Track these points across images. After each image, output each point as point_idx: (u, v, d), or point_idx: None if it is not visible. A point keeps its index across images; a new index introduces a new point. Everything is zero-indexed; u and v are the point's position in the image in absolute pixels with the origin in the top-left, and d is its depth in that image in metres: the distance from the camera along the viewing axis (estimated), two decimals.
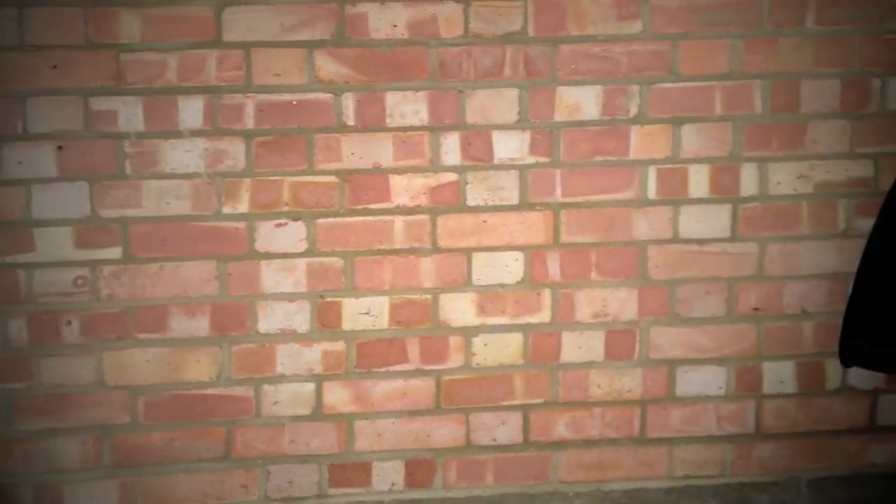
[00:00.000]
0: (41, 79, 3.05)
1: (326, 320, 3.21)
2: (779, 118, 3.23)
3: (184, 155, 3.11)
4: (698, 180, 3.22)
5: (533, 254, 3.23)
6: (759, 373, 3.33)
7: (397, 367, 3.25)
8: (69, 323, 3.14)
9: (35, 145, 3.06)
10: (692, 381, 3.32)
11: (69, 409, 3.16)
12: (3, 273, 3.08)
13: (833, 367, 3.34)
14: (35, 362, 3.13)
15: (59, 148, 3.07)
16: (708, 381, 3.32)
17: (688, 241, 3.25)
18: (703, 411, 3.34)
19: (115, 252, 3.12)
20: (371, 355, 3.23)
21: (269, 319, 3.19)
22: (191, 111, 3.10)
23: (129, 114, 3.08)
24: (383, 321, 3.23)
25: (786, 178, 3.24)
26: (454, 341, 3.25)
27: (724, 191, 3.24)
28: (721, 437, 3.35)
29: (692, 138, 3.21)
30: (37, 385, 3.14)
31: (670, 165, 3.21)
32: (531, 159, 3.19)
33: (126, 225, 3.12)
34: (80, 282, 3.13)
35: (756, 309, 3.29)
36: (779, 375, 3.33)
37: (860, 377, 3.34)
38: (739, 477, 3.37)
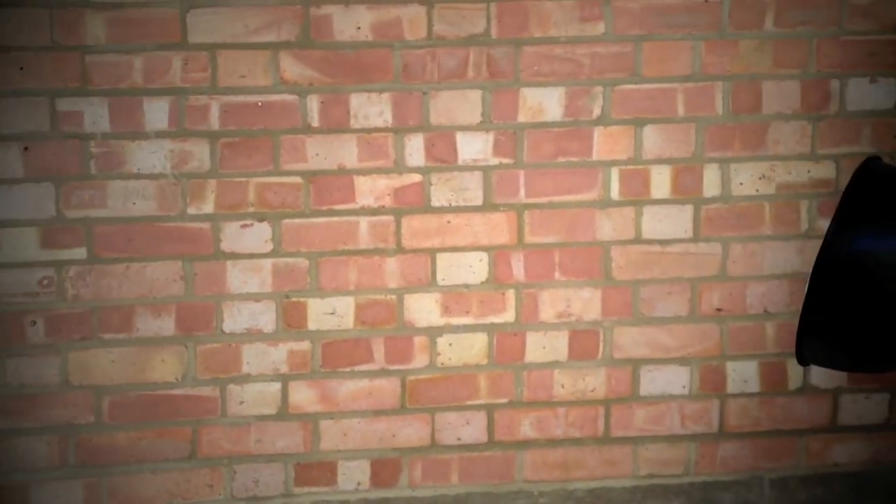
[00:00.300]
0: (7, 80, 3.10)
1: (292, 320, 3.28)
2: (740, 119, 3.30)
3: (149, 156, 3.16)
4: (661, 181, 3.30)
5: (497, 254, 3.30)
6: (723, 372, 3.40)
7: (363, 367, 3.31)
8: (34, 323, 3.19)
9: (1, 146, 3.12)
10: (656, 381, 3.39)
11: (34, 409, 3.21)
12: None
13: (795, 367, 3.40)
14: (0, 362, 3.21)
15: (26, 148, 3.12)
16: (671, 380, 3.39)
17: (650, 241, 3.32)
18: (666, 410, 3.41)
19: (81, 252, 3.18)
20: (336, 355, 3.29)
21: (235, 319, 3.25)
22: (156, 112, 3.15)
23: (95, 115, 3.13)
24: (348, 321, 3.29)
25: (748, 179, 3.32)
26: (419, 341, 3.31)
27: (686, 191, 3.31)
28: (685, 437, 3.42)
29: (655, 139, 3.28)
30: (1, 385, 3.19)
31: (633, 166, 3.28)
32: (495, 160, 3.26)
33: (91, 225, 3.17)
34: (45, 282, 3.18)
35: (719, 309, 3.37)
36: (742, 375, 3.41)
37: (822, 377, 3.42)
38: (703, 476, 3.44)
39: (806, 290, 2.68)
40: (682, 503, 3.44)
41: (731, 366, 3.40)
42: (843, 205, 2.69)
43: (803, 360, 2.79)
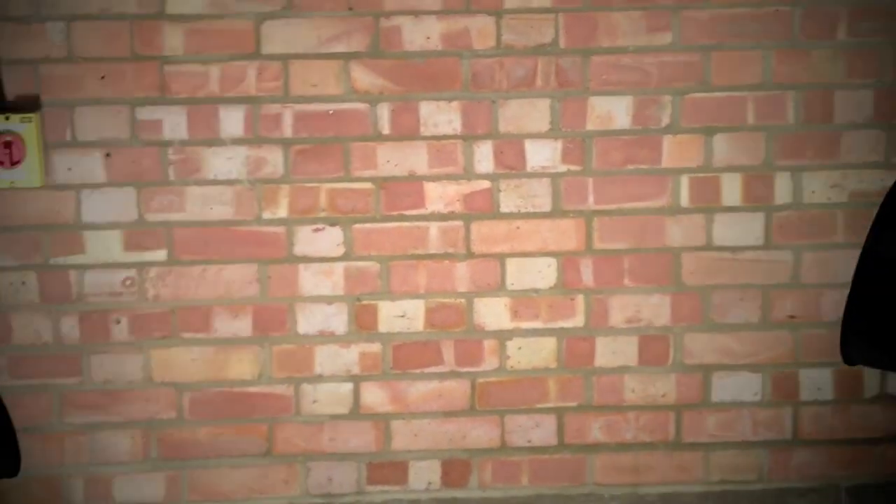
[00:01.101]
0: (89, 89, 3.36)
1: (363, 322, 3.49)
2: (812, 128, 3.41)
3: (225, 162, 3.40)
4: (731, 188, 3.42)
5: (566, 260, 3.46)
6: (796, 379, 3.52)
7: (432, 369, 3.51)
8: (118, 321, 3.46)
9: (84, 152, 3.38)
10: (727, 387, 3.53)
11: (118, 404, 3.48)
12: (55, 274, 3.41)
13: (871, 375, 3.51)
14: (86, 359, 3.46)
15: (107, 155, 3.38)
16: (743, 386, 3.52)
17: (721, 248, 3.45)
18: (738, 417, 3.54)
19: (161, 255, 3.43)
20: (407, 357, 3.50)
21: (308, 321, 3.48)
22: (232, 120, 3.38)
23: (174, 122, 3.38)
24: (418, 324, 3.49)
25: (819, 187, 3.42)
26: (489, 344, 3.50)
27: (757, 199, 3.43)
28: (757, 443, 3.56)
29: (725, 147, 3.41)
30: (87, 381, 3.47)
31: (703, 174, 3.42)
32: (563, 167, 3.42)
33: (171, 229, 3.42)
34: (128, 282, 3.45)
35: (792, 316, 3.49)
36: (816, 382, 3.53)
37: None
38: (777, 483, 3.57)
39: (849, 290, 2.83)
40: None
41: (804, 373, 3.52)
42: (884, 208, 2.83)
43: (850, 360, 2.94)
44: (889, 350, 2.85)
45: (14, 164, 3.34)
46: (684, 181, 3.43)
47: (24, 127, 3.33)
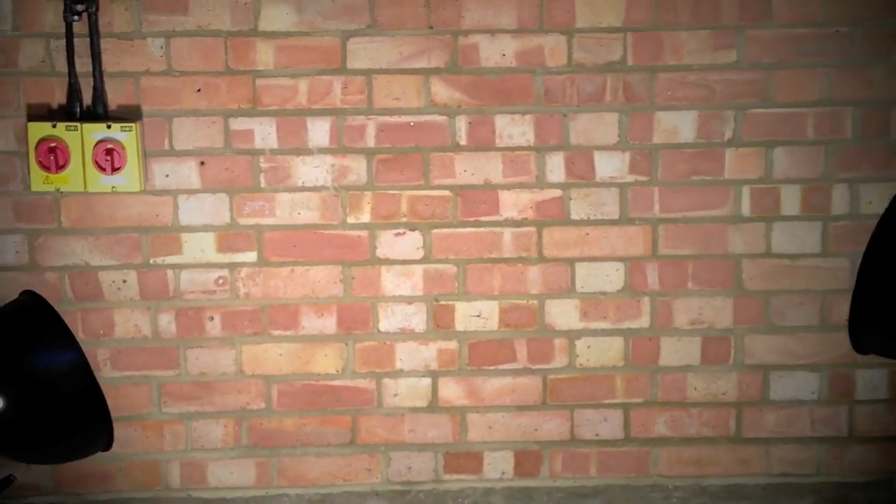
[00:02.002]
0: (186, 101, 3.75)
1: (441, 321, 3.87)
2: (869, 143, 3.73)
3: (312, 170, 3.78)
4: (790, 199, 3.76)
5: (633, 264, 3.82)
6: (852, 379, 3.87)
7: (506, 366, 3.88)
8: (211, 318, 3.86)
9: (180, 160, 3.77)
10: (786, 386, 3.87)
11: (212, 394, 3.89)
12: (154, 273, 3.82)
13: None
14: (182, 353, 3.87)
15: (202, 163, 3.78)
16: (801, 385, 3.87)
17: (780, 255, 3.80)
18: (797, 414, 3.89)
19: (252, 256, 3.83)
20: (482, 354, 3.88)
21: (389, 319, 3.87)
22: (319, 131, 3.77)
23: (264, 133, 3.77)
24: (493, 323, 3.87)
25: (877, 198, 3.75)
26: (559, 343, 3.88)
27: (815, 209, 3.77)
28: (815, 439, 3.90)
29: (785, 160, 3.74)
30: (183, 373, 3.88)
31: (763, 185, 3.76)
32: (631, 178, 3.77)
33: (261, 232, 3.81)
34: (220, 281, 3.85)
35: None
36: (871, 382, 3.86)
37: None
38: (835, 477, 3.92)
39: (856, 280, 3.17)
40: (813, 501, 3.95)
41: (860, 373, 3.87)
42: (892, 208, 3.18)
43: (860, 348, 3.29)
44: None
45: (115, 170, 3.72)
46: (745, 192, 3.78)
47: (124, 135, 3.71)
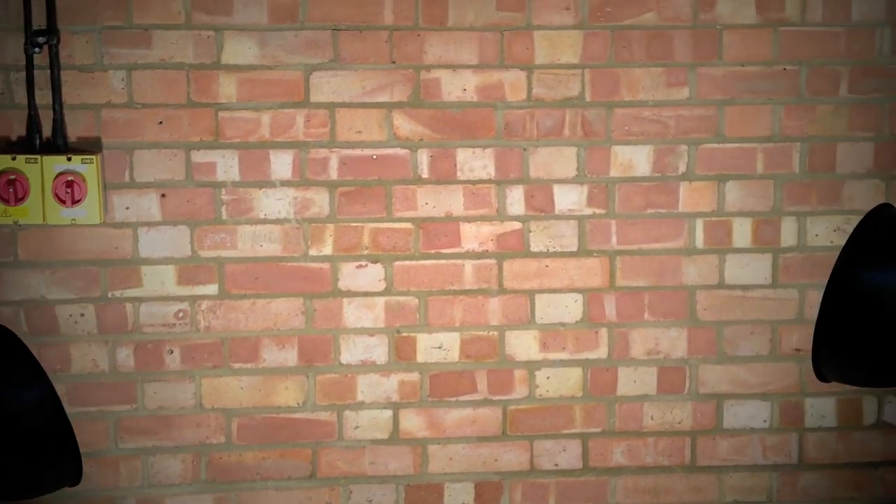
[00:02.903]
0: (147, 133, 3.90)
1: (403, 353, 4.05)
2: (816, 177, 4.01)
3: (275, 202, 3.94)
4: (742, 232, 4.02)
5: (591, 296, 4.04)
6: (802, 408, 4.12)
7: (467, 397, 4.07)
8: (171, 352, 3.99)
9: (141, 192, 3.90)
10: (738, 415, 4.11)
11: (171, 429, 4.01)
12: (113, 306, 3.94)
13: (869, 404, 4.11)
14: (140, 387, 3.99)
15: (163, 195, 3.92)
16: (753, 414, 4.11)
17: (733, 286, 4.05)
18: (749, 442, 4.13)
19: (213, 289, 3.97)
20: (443, 386, 4.06)
21: (351, 351, 4.03)
22: (281, 163, 3.93)
23: (226, 165, 3.92)
24: (454, 355, 4.05)
25: (823, 231, 4.02)
26: (519, 374, 4.07)
27: (765, 241, 4.03)
28: (767, 467, 4.14)
29: (736, 194, 4.00)
30: (141, 407, 3.99)
31: (716, 218, 4.01)
32: (589, 210, 3.99)
33: (222, 264, 3.96)
34: (180, 314, 3.98)
35: (798, 350, 4.07)
36: (820, 411, 4.12)
37: (894, 414, 4.11)
38: (786, 503, 4.21)
39: (819, 310, 3.39)
40: None
41: (809, 402, 4.12)
42: (853, 242, 3.45)
43: (822, 376, 3.54)
44: (857, 366, 3.45)
45: (75, 202, 3.83)
46: (699, 224, 4.04)
47: (85, 168, 3.82)
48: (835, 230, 4.05)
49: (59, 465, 3.50)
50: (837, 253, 3.92)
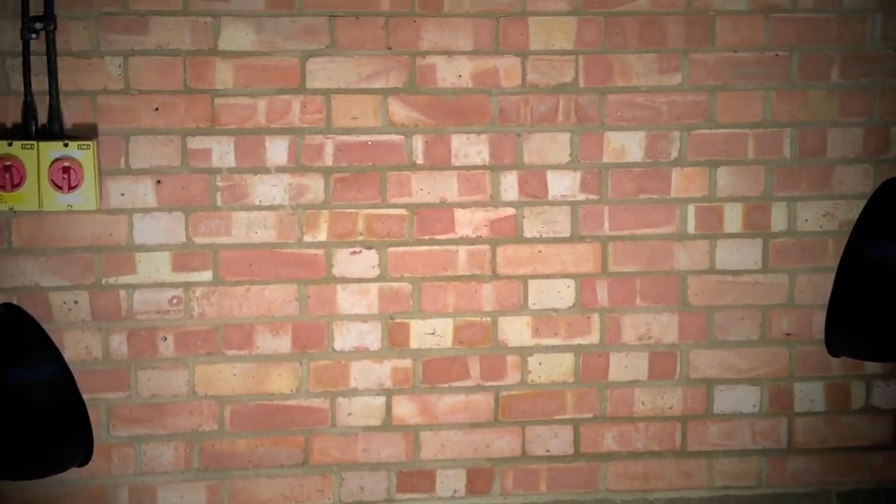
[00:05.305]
0: (143, 119, 4.11)
1: (396, 339, 4.28)
2: (807, 162, 4.29)
3: (270, 189, 4.17)
4: (733, 217, 4.29)
5: (583, 281, 4.29)
6: (791, 392, 4.39)
7: (459, 383, 4.31)
8: (164, 339, 4.20)
9: (136, 179, 4.11)
10: (728, 399, 4.38)
11: (163, 417, 4.22)
12: (106, 293, 4.15)
13: (858, 388, 4.39)
14: (133, 374, 4.19)
15: (158, 182, 4.13)
16: (743, 399, 4.38)
17: (723, 271, 4.32)
18: (738, 427, 4.40)
19: (207, 275, 4.19)
20: (436, 372, 4.30)
21: (345, 338, 4.26)
22: (277, 150, 4.16)
23: (222, 151, 4.14)
24: (447, 341, 4.29)
25: (813, 216, 4.29)
26: (511, 360, 4.32)
27: (756, 227, 4.30)
28: (756, 451, 4.41)
29: (727, 179, 4.28)
30: (134, 395, 4.20)
31: (707, 203, 4.28)
32: (582, 196, 4.26)
33: (217, 251, 4.18)
34: (174, 301, 4.19)
35: (788, 334, 4.34)
36: (809, 395, 4.39)
37: (883, 398, 4.40)
38: (774, 488, 4.43)
39: (832, 287, 3.64)
40: None
41: (798, 386, 4.40)
42: (866, 211, 3.71)
43: (833, 350, 3.78)
44: (869, 341, 3.73)
45: (72, 188, 4.02)
46: (691, 210, 4.31)
47: (81, 154, 4.02)
48: (824, 215, 4.33)
49: (71, 443, 3.74)
50: (826, 238, 4.29)
